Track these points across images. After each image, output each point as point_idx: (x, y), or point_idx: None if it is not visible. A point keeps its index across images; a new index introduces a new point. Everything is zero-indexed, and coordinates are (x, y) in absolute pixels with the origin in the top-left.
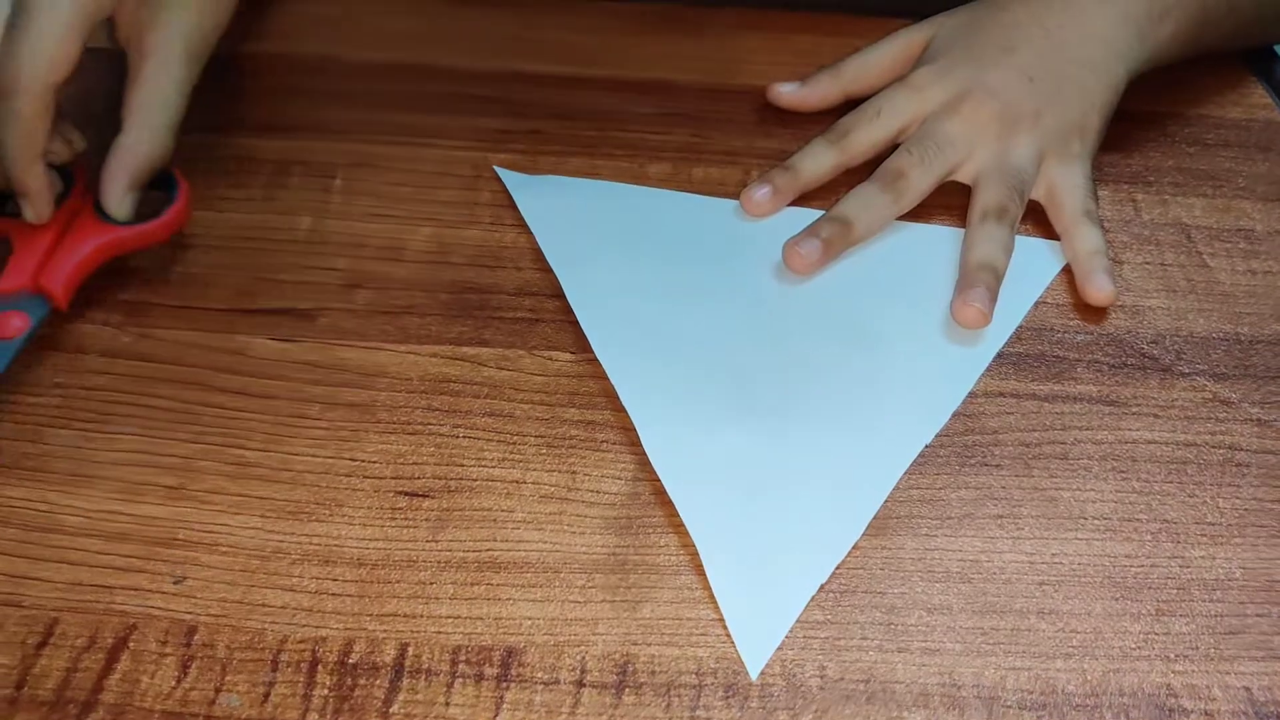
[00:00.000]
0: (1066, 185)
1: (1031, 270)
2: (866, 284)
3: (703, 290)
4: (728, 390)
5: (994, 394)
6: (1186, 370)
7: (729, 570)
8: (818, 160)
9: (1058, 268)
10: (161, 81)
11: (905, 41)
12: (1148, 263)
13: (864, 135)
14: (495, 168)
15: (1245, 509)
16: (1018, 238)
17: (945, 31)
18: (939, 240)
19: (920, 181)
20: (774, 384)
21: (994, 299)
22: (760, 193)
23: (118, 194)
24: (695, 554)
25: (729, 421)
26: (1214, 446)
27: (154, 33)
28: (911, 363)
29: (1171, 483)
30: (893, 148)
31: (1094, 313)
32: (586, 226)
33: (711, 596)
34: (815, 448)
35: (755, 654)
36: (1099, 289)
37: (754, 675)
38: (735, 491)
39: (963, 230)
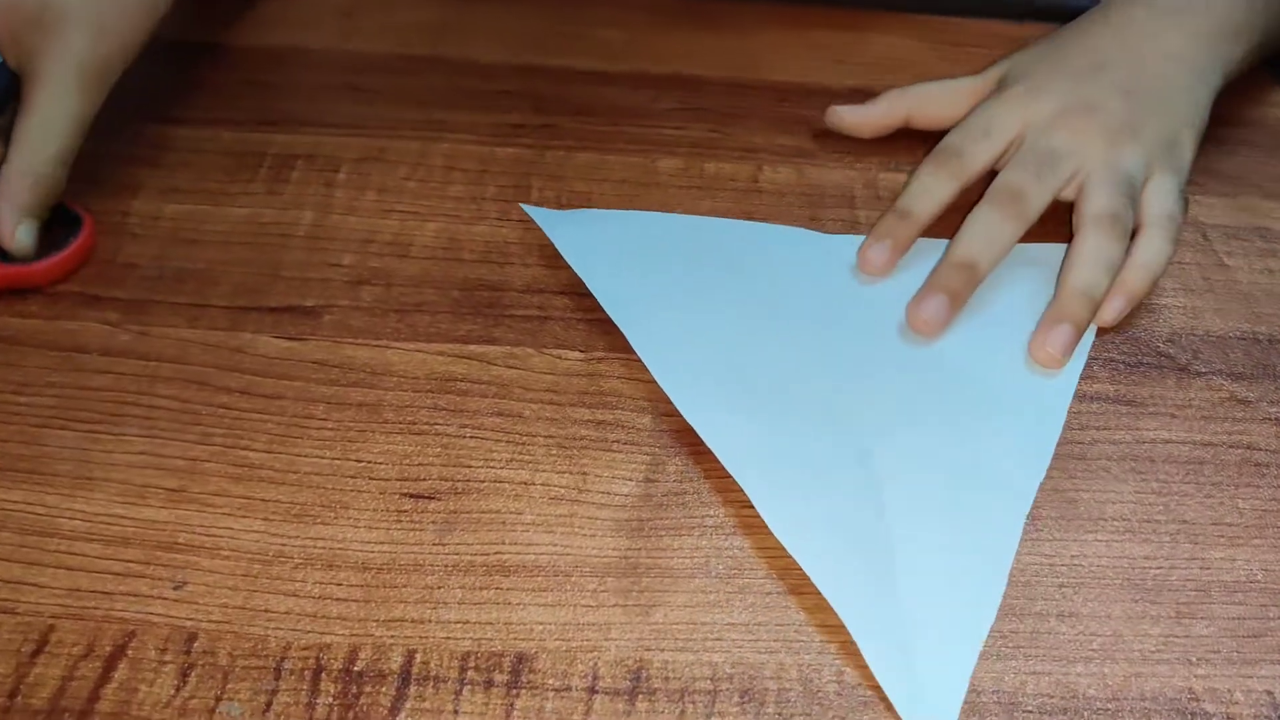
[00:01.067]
0: (1159, 191)
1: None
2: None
3: (771, 323)
4: (829, 444)
5: None
6: (1203, 369)
7: (889, 656)
8: (933, 195)
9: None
10: (51, 111)
11: (978, 78)
12: None
13: (978, 155)
14: (522, 205)
15: (1265, 509)
16: None
17: (1024, 59)
18: (1034, 257)
19: (1039, 199)
20: (873, 431)
21: (1080, 336)
22: (876, 251)
23: (7, 227)
24: (709, 556)
25: (842, 483)
26: (1232, 446)
27: (45, 59)
28: (1004, 391)
29: (1190, 483)
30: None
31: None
32: (632, 261)
33: (725, 600)
34: (931, 501)
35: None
36: (1098, 314)
37: None
38: (869, 563)
39: (1060, 245)
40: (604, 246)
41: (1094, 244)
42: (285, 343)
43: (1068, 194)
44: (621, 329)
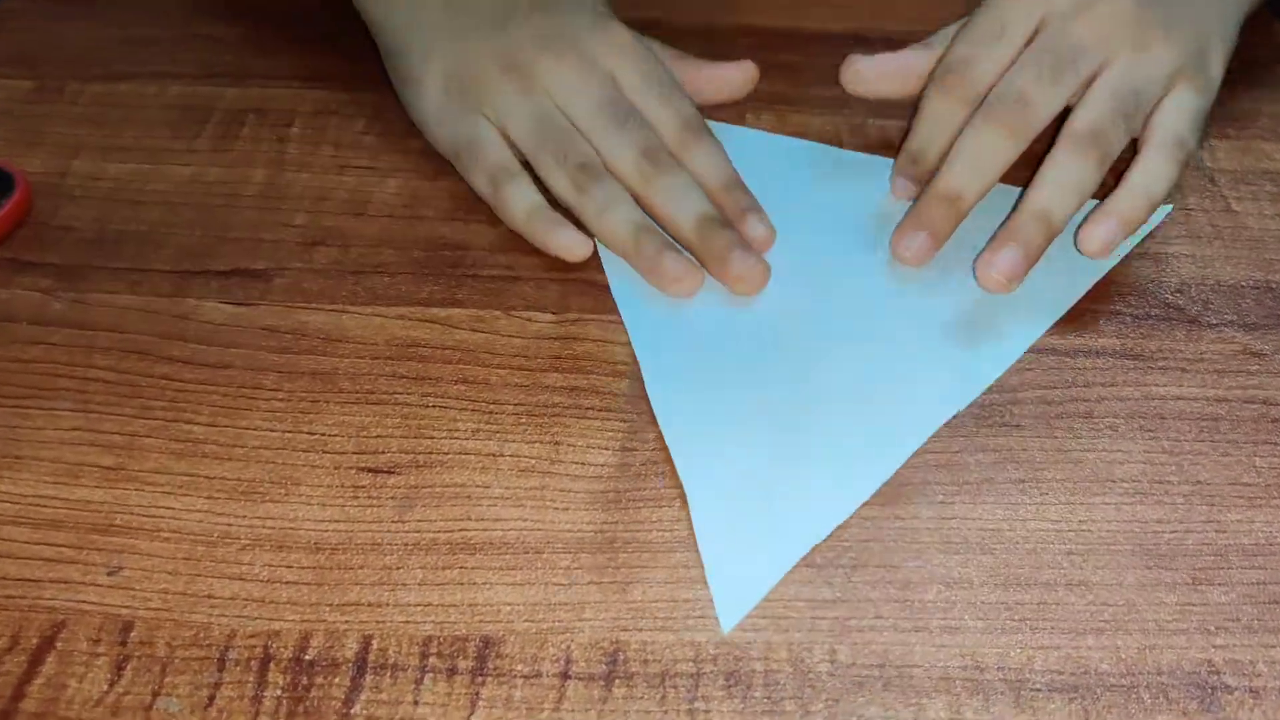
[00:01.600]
0: (1177, 109)
1: None
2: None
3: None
4: (746, 350)
5: None
6: (1214, 321)
7: (716, 518)
8: (947, 127)
9: (1138, 237)
10: None
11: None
12: (1170, 206)
13: (992, 65)
14: None
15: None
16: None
17: None
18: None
19: (1047, 106)
20: (798, 346)
21: (1030, 262)
22: (917, 240)
23: None
24: (692, 529)
25: (743, 382)
26: (1247, 402)
27: None
28: (950, 332)
29: (1203, 441)
30: None
31: (1113, 259)
32: None
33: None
34: (832, 411)
35: (731, 608)
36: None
37: (726, 629)
38: (739, 446)
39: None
40: None
41: (1061, 162)
42: (233, 308)
43: (1075, 100)
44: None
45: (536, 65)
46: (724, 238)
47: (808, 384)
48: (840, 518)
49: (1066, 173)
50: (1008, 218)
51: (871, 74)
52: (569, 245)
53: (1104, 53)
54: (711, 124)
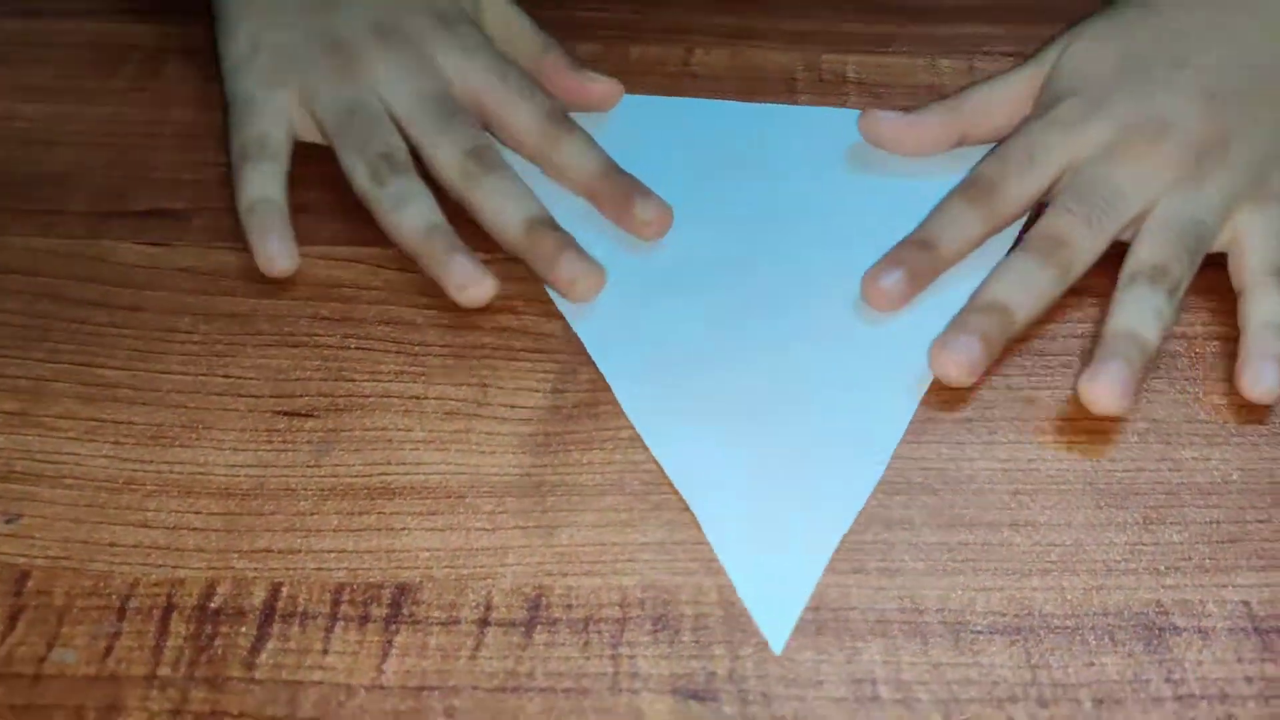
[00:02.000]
0: (1259, 231)
1: None
2: (854, 192)
3: (689, 211)
4: (711, 328)
5: None
6: None
7: (735, 537)
8: (961, 229)
9: None
10: None
11: (1031, 66)
12: None
13: (1015, 190)
14: None
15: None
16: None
17: (1082, 49)
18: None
19: (1089, 249)
20: (763, 316)
21: (1136, 379)
22: (890, 280)
23: None
24: (624, 470)
25: (715, 365)
26: (1206, 338)
27: None
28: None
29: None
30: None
31: None
32: None
33: (639, 518)
34: (813, 384)
35: (777, 628)
36: (1256, 382)
37: (778, 650)
38: (733, 453)
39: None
40: None
41: (1134, 294)
42: (149, 249)
43: (1128, 236)
44: None
45: (364, 51)
46: (552, 240)
47: (788, 370)
48: (860, 500)
49: (1141, 301)
50: (1099, 342)
51: (888, 131)
52: (271, 255)
53: (1144, 195)
54: (639, 98)
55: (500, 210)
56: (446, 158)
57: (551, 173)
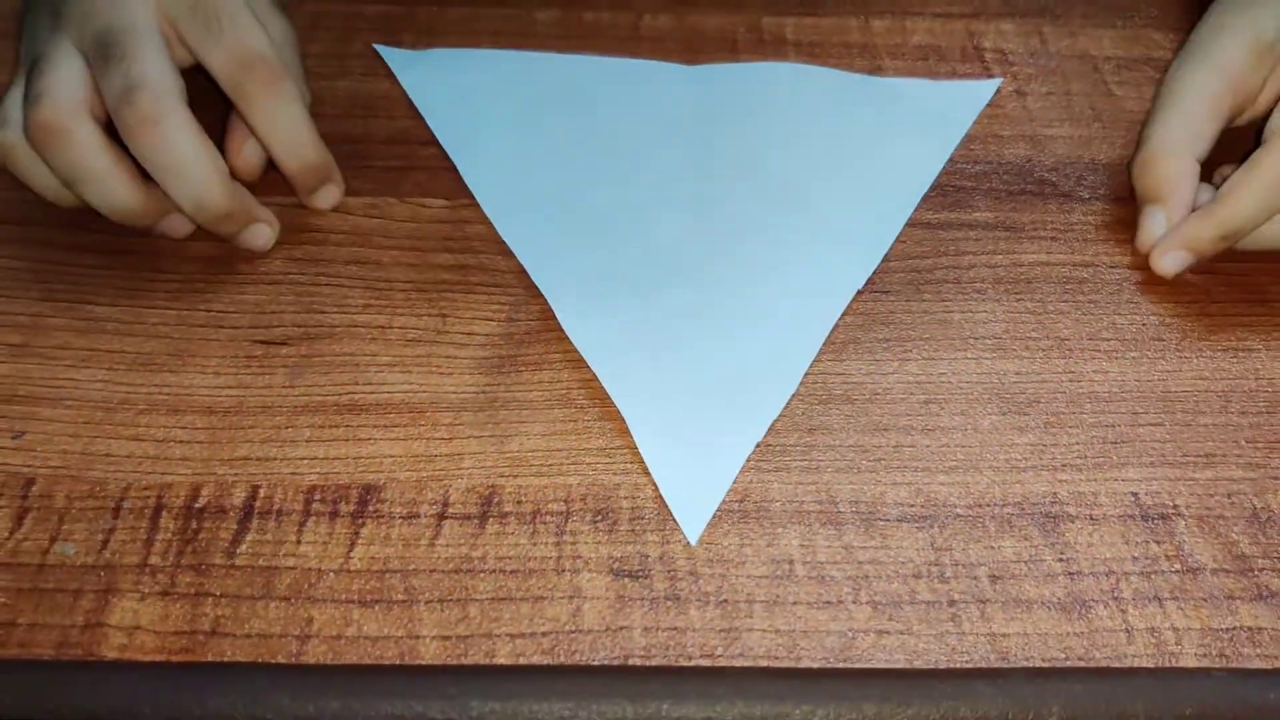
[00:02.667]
0: None
1: (953, 113)
2: (782, 138)
3: (610, 158)
4: (647, 260)
5: None
6: (1087, 195)
7: (662, 444)
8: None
9: (978, 109)
10: None
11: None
12: (1051, 93)
13: None
14: (376, 46)
15: (1143, 325)
16: (938, 82)
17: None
18: (854, 87)
19: None
20: (696, 249)
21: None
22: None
23: None
24: (570, 387)
25: (650, 292)
26: (1112, 267)
27: None
28: (833, 216)
29: (1067, 301)
30: None
31: (993, 142)
32: (479, 102)
33: (583, 428)
34: (740, 308)
35: (693, 520)
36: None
37: (693, 541)
38: (663, 366)
39: (869, 77)
40: (450, 88)
41: None
42: None
43: None
44: (461, 173)
45: None
46: (229, 229)
47: (711, 291)
48: (774, 411)
49: None
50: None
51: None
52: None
53: None
54: (592, 58)
55: (177, 192)
56: (111, 105)
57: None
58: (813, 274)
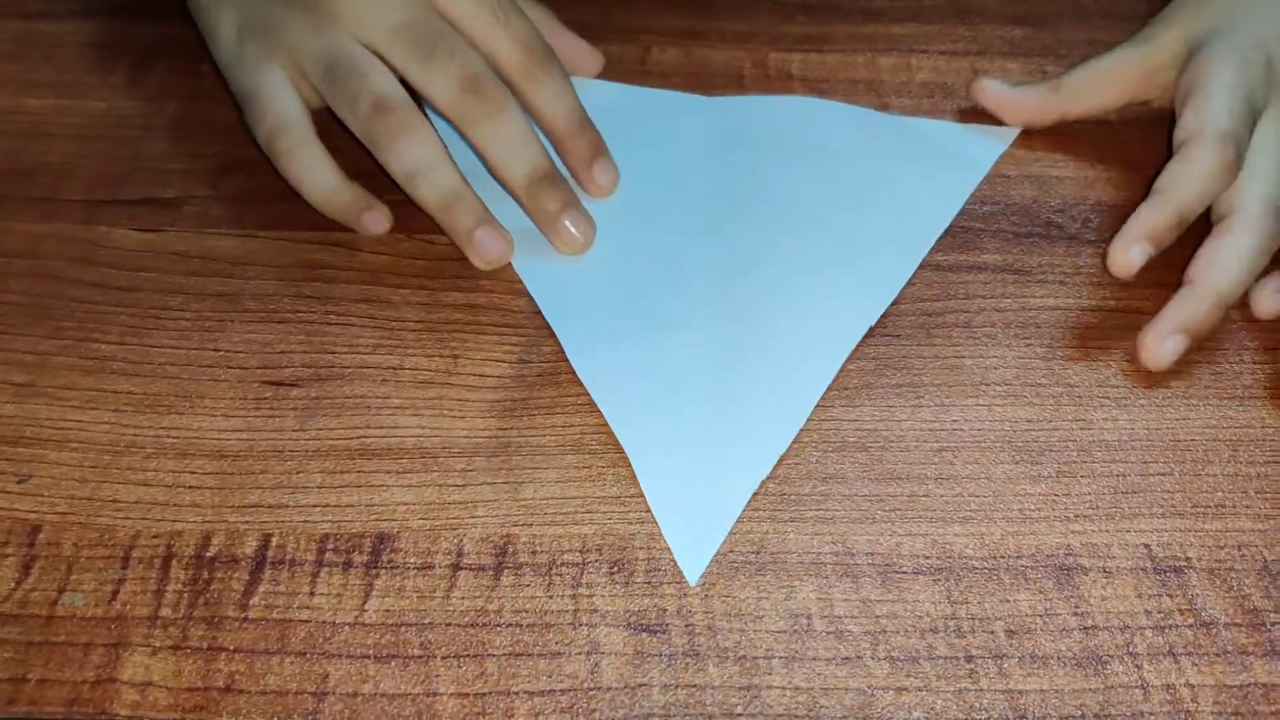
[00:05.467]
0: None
1: (972, 157)
2: (799, 173)
3: (626, 190)
4: (660, 298)
5: None
6: (1093, 238)
7: (662, 475)
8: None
9: (996, 154)
10: None
11: (1144, 46)
12: (1056, 132)
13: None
14: None
15: (1150, 371)
16: (961, 125)
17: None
18: (873, 125)
19: None
20: (709, 285)
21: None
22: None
23: None
24: (584, 432)
25: (661, 330)
26: (1120, 311)
27: None
28: (848, 254)
29: (1075, 347)
30: None
31: (999, 182)
32: None
33: (597, 474)
34: (749, 344)
35: (693, 561)
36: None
37: (693, 581)
38: (668, 402)
39: (890, 115)
40: None
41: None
42: (143, 235)
43: None
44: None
45: None
46: (555, 200)
47: (721, 329)
48: (778, 451)
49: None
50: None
51: (992, 98)
52: (369, 224)
53: None
54: (607, 84)
55: (505, 160)
56: (440, 94)
57: (527, 107)
58: (824, 313)
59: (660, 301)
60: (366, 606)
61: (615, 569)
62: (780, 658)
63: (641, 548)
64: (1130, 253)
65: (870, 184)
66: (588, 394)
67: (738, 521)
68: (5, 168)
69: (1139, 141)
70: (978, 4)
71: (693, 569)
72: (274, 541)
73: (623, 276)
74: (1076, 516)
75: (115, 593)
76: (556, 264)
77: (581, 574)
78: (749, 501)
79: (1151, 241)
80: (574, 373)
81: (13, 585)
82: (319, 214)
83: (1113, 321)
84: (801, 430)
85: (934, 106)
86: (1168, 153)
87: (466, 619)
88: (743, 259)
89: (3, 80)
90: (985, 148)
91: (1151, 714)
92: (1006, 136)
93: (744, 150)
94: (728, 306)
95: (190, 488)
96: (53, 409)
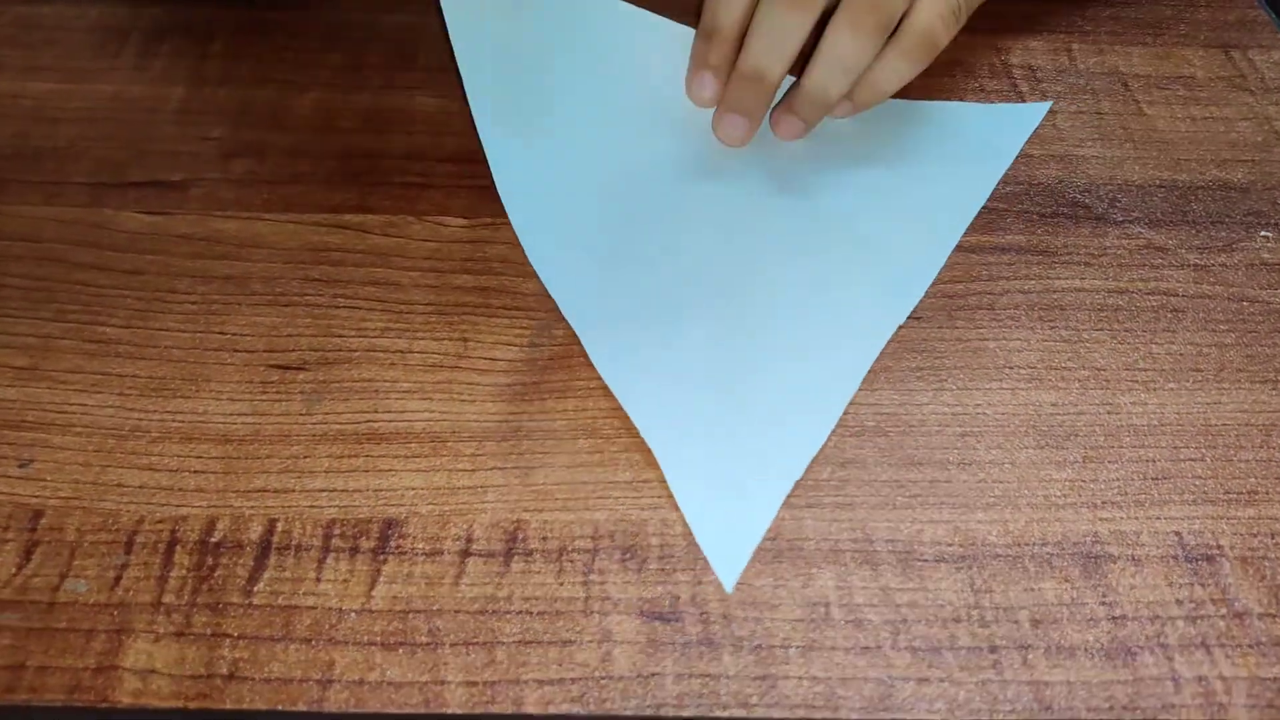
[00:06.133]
0: None
1: (1001, 139)
2: (825, 160)
3: (645, 171)
4: (678, 286)
5: None
6: (1120, 218)
7: (695, 486)
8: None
9: (1025, 134)
10: None
11: None
12: (1082, 111)
13: None
14: None
15: (1180, 354)
16: (986, 106)
17: None
18: (897, 112)
19: None
20: (731, 274)
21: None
22: (733, 124)
23: None
24: (596, 417)
25: (681, 321)
26: (1148, 293)
27: None
28: (878, 244)
29: (1102, 329)
30: None
31: (1023, 162)
32: (511, 44)
33: (610, 459)
34: (777, 340)
35: (729, 568)
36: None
37: (729, 589)
38: (696, 401)
39: (915, 101)
40: (491, 37)
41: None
42: (148, 218)
43: None
44: (488, 158)
45: None
46: (747, 100)
47: (746, 323)
48: (811, 451)
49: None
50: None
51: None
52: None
53: None
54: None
55: (748, 40)
56: None
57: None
58: (854, 306)
59: (680, 291)
60: (373, 593)
61: (628, 555)
62: (797, 647)
63: (654, 534)
64: (783, 124)
65: (897, 174)
66: (599, 378)
67: None
68: (9, 151)
69: (1166, 119)
70: None
71: (729, 574)
72: (279, 527)
73: (641, 263)
74: (1104, 503)
75: (118, 579)
76: (571, 249)
77: (593, 560)
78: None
79: (803, 120)
80: (585, 357)
81: (13, 571)
82: (326, 196)
83: (1140, 304)
84: None
85: (955, 85)
86: (1196, 130)
87: (475, 606)
88: (767, 248)
89: (5, 65)
90: (1013, 128)
91: (1183, 706)
92: (1034, 114)
93: (769, 141)
94: (752, 298)
95: (195, 472)
96: (56, 393)
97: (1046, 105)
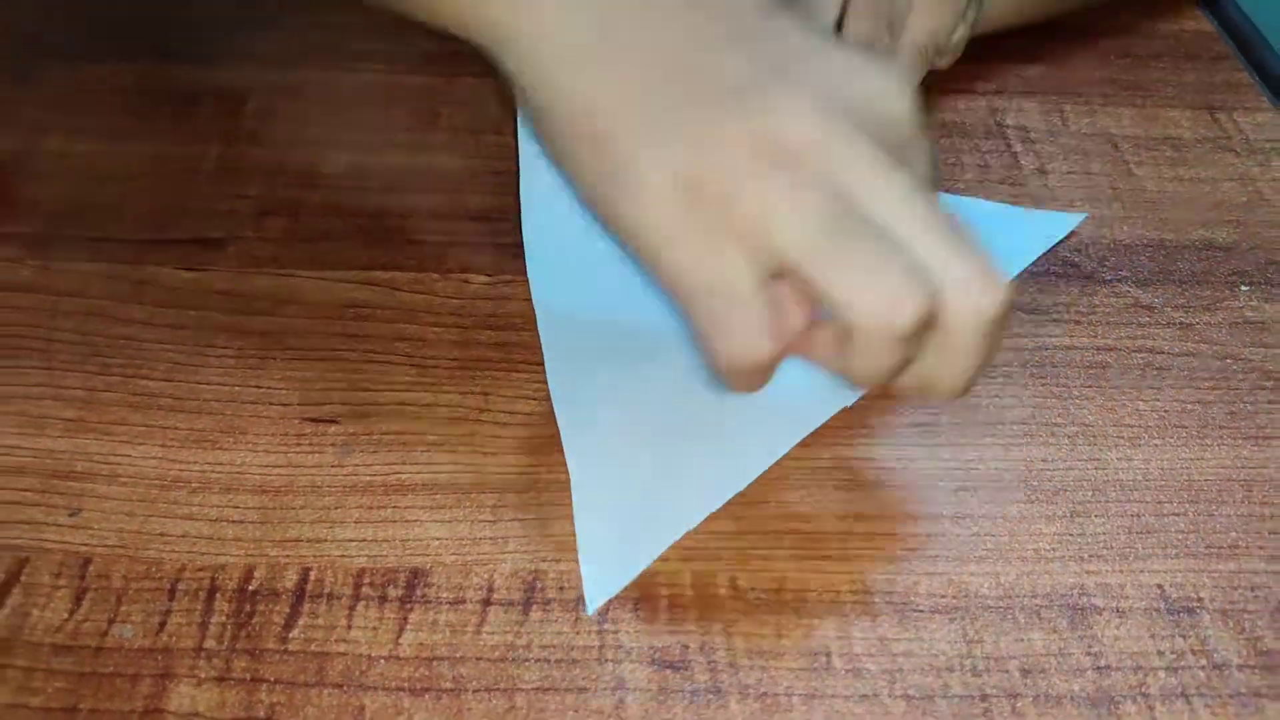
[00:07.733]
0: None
1: (1026, 242)
2: None
3: None
4: (640, 329)
5: None
6: (1109, 277)
7: (596, 498)
8: None
9: (1052, 241)
10: None
11: None
12: (1072, 172)
13: None
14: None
15: (1165, 410)
16: (1005, 206)
17: None
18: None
19: None
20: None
21: None
22: None
23: None
24: None
25: (643, 364)
26: (1134, 350)
27: None
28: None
29: (1090, 387)
30: None
31: None
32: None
33: None
34: (719, 399)
35: (598, 589)
36: None
37: (589, 611)
38: (627, 427)
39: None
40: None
41: None
42: (189, 274)
43: None
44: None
45: (808, 137)
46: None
47: (703, 374)
48: (713, 506)
49: None
50: None
51: None
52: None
53: None
54: None
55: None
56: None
57: None
58: (806, 387)
59: (654, 337)
60: (401, 640)
61: (639, 605)
62: (800, 694)
63: (664, 584)
64: None
65: None
66: None
67: (759, 559)
68: (55, 209)
69: (1154, 179)
70: (993, 41)
71: (594, 598)
72: (313, 575)
73: (628, 310)
74: (1090, 556)
75: (162, 624)
76: (568, 282)
77: (607, 610)
78: (773, 540)
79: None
80: None
81: (65, 616)
82: (355, 254)
83: (1127, 361)
84: (822, 469)
85: (951, 145)
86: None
87: (496, 654)
88: None
89: (50, 126)
90: (1043, 233)
91: None
92: (1068, 223)
93: None
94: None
95: (233, 522)
96: (102, 444)
97: (1082, 215)
